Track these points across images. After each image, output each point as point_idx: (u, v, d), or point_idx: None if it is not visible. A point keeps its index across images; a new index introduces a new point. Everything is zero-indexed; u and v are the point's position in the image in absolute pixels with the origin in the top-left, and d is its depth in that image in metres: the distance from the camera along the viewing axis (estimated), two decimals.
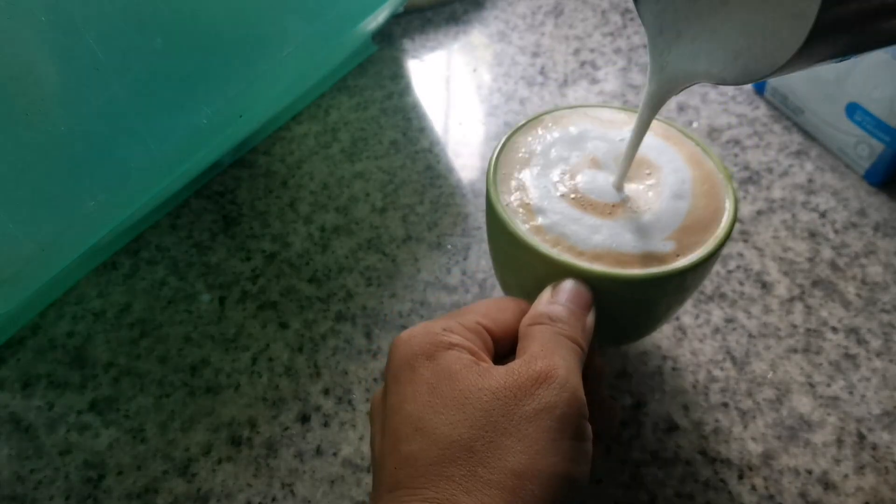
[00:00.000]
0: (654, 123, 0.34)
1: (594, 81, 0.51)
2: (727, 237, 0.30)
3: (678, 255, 0.29)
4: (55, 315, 0.39)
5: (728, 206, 0.31)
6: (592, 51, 0.54)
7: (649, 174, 0.32)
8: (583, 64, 0.53)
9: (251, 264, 0.41)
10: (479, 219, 0.43)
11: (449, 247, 0.42)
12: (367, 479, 0.33)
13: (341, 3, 0.38)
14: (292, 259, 0.42)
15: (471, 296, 0.40)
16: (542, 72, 0.52)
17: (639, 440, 0.34)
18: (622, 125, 0.34)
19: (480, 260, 0.41)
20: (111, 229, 0.34)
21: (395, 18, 0.56)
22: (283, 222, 0.43)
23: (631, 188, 0.32)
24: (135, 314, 0.39)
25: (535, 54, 0.53)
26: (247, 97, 0.35)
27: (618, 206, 0.31)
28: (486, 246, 0.42)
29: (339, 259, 0.42)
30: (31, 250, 0.30)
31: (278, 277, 0.41)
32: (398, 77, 0.52)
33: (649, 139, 0.33)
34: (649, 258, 0.29)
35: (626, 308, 0.31)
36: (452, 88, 0.52)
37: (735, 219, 0.30)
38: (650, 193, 0.31)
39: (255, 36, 0.35)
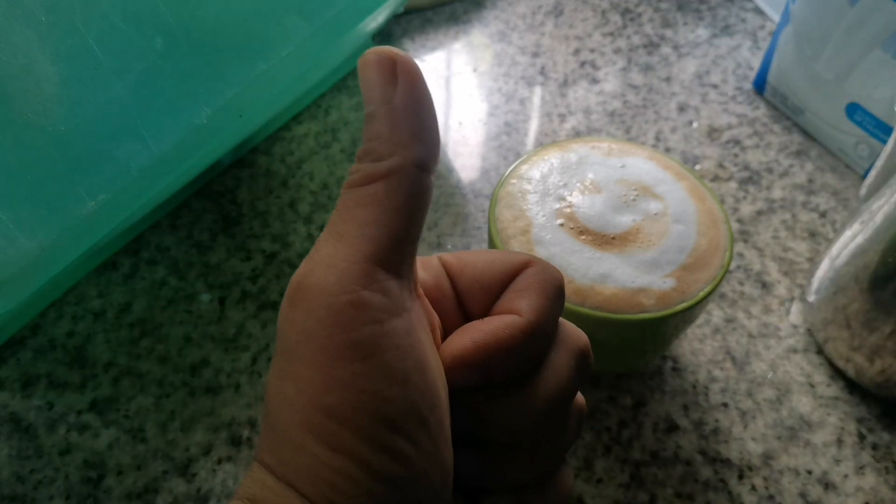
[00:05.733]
0: (657, 155, 0.34)
1: (594, 81, 0.51)
2: (724, 275, 0.30)
3: (677, 293, 0.29)
4: (55, 315, 0.39)
5: (726, 244, 0.31)
6: (592, 51, 0.54)
7: (655, 205, 0.32)
8: (583, 64, 0.53)
9: (251, 264, 0.41)
10: (479, 219, 0.43)
11: (449, 247, 0.42)
12: None
13: (341, 3, 0.38)
14: (292, 259, 0.42)
15: None
16: (542, 72, 0.52)
17: (639, 440, 0.34)
18: (622, 154, 0.34)
19: None
20: (111, 229, 0.34)
21: (395, 18, 0.56)
22: (283, 222, 0.43)
23: (635, 218, 0.31)
24: (135, 314, 0.39)
25: (535, 54, 0.53)
26: (247, 97, 0.35)
27: (618, 237, 0.31)
28: (485, 246, 0.42)
29: None
30: (31, 250, 0.30)
31: (278, 277, 0.41)
32: None
33: (654, 170, 0.33)
34: (648, 294, 0.29)
35: (622, 344, 0.32)
36: (452, 88, 0.52)
37: (731, 258, 0.30)
38: (655, 226, 0.31)
39: (255, 36, 0.35)
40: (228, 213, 0.44)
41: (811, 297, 0.37)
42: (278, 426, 0.17)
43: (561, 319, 0.21)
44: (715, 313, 0.39)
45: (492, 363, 0.19)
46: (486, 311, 0.21)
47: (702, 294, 0.29)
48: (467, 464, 0.20)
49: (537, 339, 0.19)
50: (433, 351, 0.18)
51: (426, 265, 0.21)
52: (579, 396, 0.22)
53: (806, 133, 0.48)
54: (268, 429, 0.17)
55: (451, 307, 0.21)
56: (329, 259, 0.17)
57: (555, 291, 0.20)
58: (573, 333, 0.21)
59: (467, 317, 0.21)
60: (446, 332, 0.20)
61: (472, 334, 0.19)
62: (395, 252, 0.17)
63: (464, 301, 0.21)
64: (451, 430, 0.19)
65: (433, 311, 0.21)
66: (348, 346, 0.16)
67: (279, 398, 0.17)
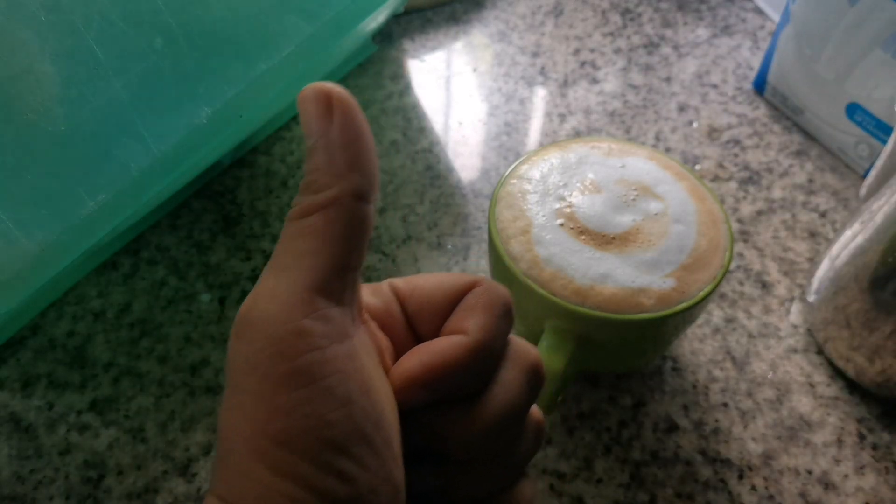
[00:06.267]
0: (657, 155, 0.34)
1: (594, 81, 0.51)
2: (724, 275, 0.30)
3: (677, 293, 0.29)
4: (55, 315, 0.39)
5: (727, 244, 0.31)
6: (592, 51, 0.54)
7: (655, 205, 0.32)
8: (583, 64, 0.53)
9: (251, 264, 0.41)
10: (479, 219, 0.43)
11: (449, 247, 0.42)
12: None
13: (341, 3, 0.38)
14: None
15: None
16: (542, 72, 0.52)
17: (639, 440, 0.34)
18: (622, 154, 0.34)
19: (480, 260, 0.41)
20: (111, 229, 0.34)
21: (395, 18, 0.56)
22: (283, 222, 0.43)
23: (635, 218, 0.31)
24: (135, 314, 0.39)
25: (535, 54, 0.53)
26: (247, 97, 0.35)
27: (618, 237, 0.31)
28: (485, 246, 0.42)
29: None
30: (31, 250, 0.30)
31: None
32: (398, 77, 0.52)
33: (654, 170, 0.33)
34: (648, 294, 0.29)
35: (622, 344, 0.32)
36: (452, 88, 0.52)
37: (731, 258, 0.30)
38: (655, 226, 0.31)
39: (255, 36, 0.35)
40: (228, 213, 0.44)
41: (811, 297, 0.37)
42: (228, 456, 0.17)
43: (511, 336, 0.22)
44: (715, 313, 0.39)
45: (440, 382, 0.19)
46: (436, 332, 0.21)
47: (702, 294, 0.29)
48: (427, 480, 0.20)
49: (485, 356, 0.20)
50: (379, 373, 0.19)
51: (376, 291, 0.22)
52: (535, 410, 0.22)
53: (806, 133, 0.48)
54: (219, 460, 0.17)
55: (401, 330, 0.22)
56: (271, 291, 0.18)
57: (501, 309, 0.21)
58: (523, 349, 0.21)
59: (419, 339, 0.22)
60: (398, 355, 0.21)
61: (420, 356, 0.20)
62: (335, 280, 0.18)
63: (414, 323, 0.22)
64: (408, 448, 0.19)
65: (382, 335, 0.21)
66: (291, 373, 0.17)
67: (228, 429, 0.17)
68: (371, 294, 0.22)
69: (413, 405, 0.20)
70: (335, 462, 0.16)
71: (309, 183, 0.19)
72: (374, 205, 0.19)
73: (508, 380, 0.20)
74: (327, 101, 0.18)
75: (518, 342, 0.22)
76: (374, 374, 0.18)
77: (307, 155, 0.19)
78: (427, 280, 0.22)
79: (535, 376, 0.21)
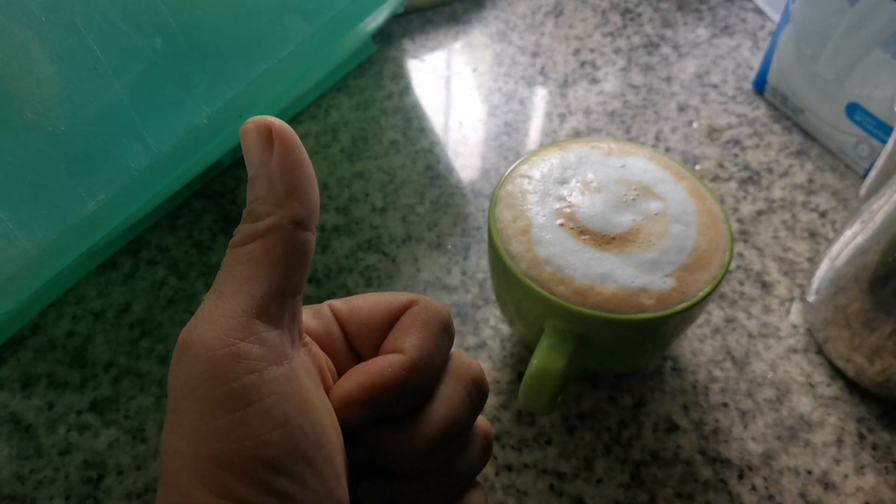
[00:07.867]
0: (657, 155, 0.34)
1: (594, 81, 0.51)
2: (724, 275, 0.30)
3: (677, 293, 0.29)
4: (55, 315, 0.39)
5: (727, 244, 0.31)
6: (592, 51, 0.54)
7: (655, 205, 0.32)
8: (583, 64, 0.53)
9: None
10: (479, 219, 0.43)
11: (449, 247, 0.42)
12: None
13: (341, 3, 0.38)
14: None
15: (471, 295, 0.40)
16: (542, 72, 0.52)
17: (639, 440, 0.34)
18: (622, 154, 0.34)
19: (480, 260, 0.41)
20: (111, 229, 0.34)
21: (395, 18, 0.56)
22: None
23: (635, 218, 0.31)
24: (135, 314, 0.39)
25: (535, 54, 0.53)
26: (247, 97, 0.35)
27: (618, 237, 0.31)
28: (485, 246, 0.42)
29: (339, 259, 0.42)
30: (31, 250, 0.30)
31: None
32: (398, 77, 0.52)
33: (654, 170, 0.33)
34: (648, 294, 0.29)
35: (622, 344, 0.32)
36: (452, 88, 0.52)
37: (731, 258, 0.30)
38: (655, 226, 0.31)
39: (255, 36, 0.35)
40: (228, 213, 0.44)
41: (811, 297, 0.37)
42: (170, 480, 0.17)
43: (454, 351, 0.22)
44: (715, 313, 0.39)
45: (378, 401, 0.20)
46: (375, 352, 0.22)
47: (702, 294, 0.29)
48: (378, 495, 0.21)
49: (421, 374, 0.20)
50: (319, 394, 0.19)
51: (317, 313, 0.22)
52: (483, 422, 0.23)
53: (806, 133, 0.48)
54: (161, 483, 0.18)
55: (342, 350, 0.22)
56: (210, 316, 0.18)
57: (438, 327, 0.21)
58: (464, 364, 0.22)
59: (359, 358, 0.22)
60: (340, 375, 0.21)
61: (358, 376, 0.20)
62: (273, 305, 0.18)
63: (354, 343, 0.22)
64: (353, 465, 0.20)
65: (324, 355, 0.22)
66: (228, 396, 0.17)
67: (168, 452, 0.17)
68: (311, 316, 0.22)
69: (353, 424, 0.20)
70: (274, 482, 0.17)
71: (250, 211, 0.19)
72: (313, 232, 0.20)
73: (449, 395, 0.21)
74: (267, 134, 0.19)
75: (460, 357, 0.22)
76: (314, 395, 0.19)
77: (248, 185, 0.19)
78: (366, 300, 0.23)
79: (476, 390, 0.22)
